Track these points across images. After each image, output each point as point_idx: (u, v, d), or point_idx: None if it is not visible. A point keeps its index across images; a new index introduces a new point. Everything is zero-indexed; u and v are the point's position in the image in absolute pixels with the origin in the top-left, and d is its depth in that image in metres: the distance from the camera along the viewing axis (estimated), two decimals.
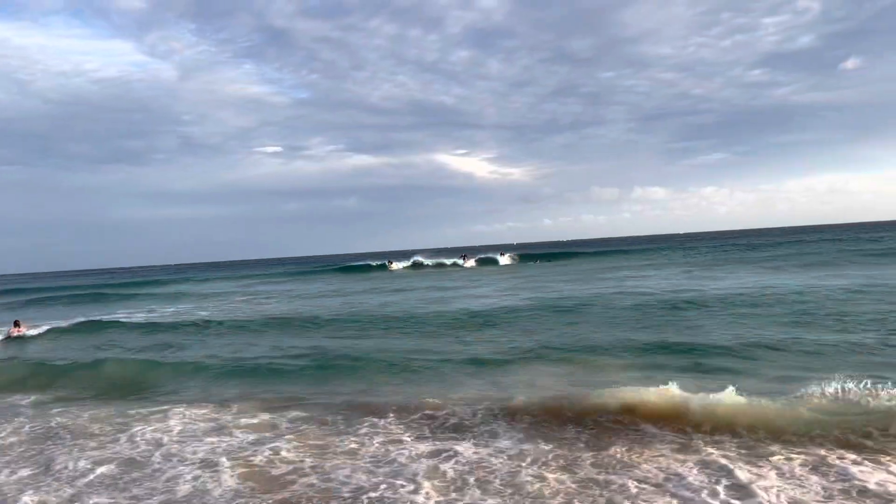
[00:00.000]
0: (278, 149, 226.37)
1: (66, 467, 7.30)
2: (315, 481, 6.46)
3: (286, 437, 8.05)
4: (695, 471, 6.09)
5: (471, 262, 58.69)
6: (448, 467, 6.64)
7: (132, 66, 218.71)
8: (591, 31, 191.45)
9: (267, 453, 7.40)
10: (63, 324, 22.14)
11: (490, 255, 62.23)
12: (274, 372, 12.36)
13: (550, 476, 6.21)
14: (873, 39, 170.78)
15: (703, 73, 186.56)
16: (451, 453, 7.05)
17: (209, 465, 7.15)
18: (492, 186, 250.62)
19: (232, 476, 6.76)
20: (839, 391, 7.35)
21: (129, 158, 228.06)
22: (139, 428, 8.82)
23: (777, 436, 6.82)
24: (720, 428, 7.15)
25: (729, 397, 7.63)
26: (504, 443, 7.32)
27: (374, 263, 60.79)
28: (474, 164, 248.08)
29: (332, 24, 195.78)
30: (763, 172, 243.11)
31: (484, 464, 6.68)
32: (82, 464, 7.39)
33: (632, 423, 7.62)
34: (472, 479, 6.26)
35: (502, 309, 19.15)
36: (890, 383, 7.30)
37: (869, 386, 7.27)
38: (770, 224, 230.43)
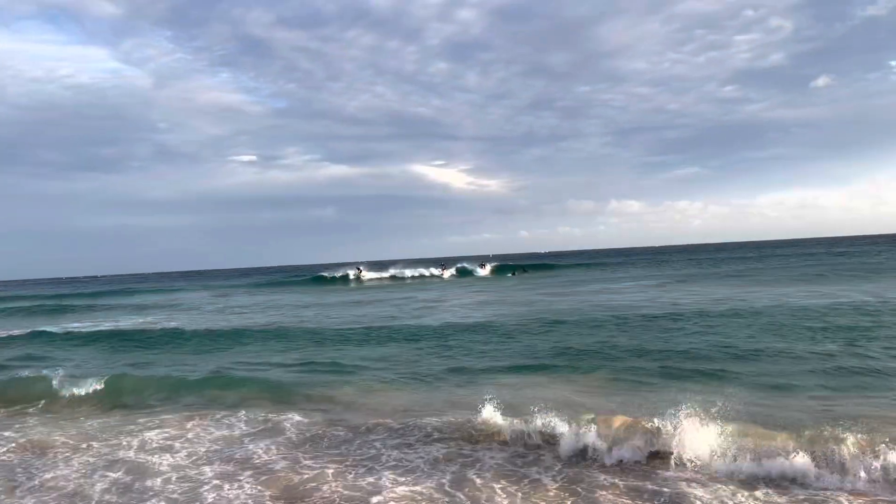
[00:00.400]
0: (253, 158, 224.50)
1: None
2: None
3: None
4: None
5: (449, 273, 57.08)
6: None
7: (106, 73, 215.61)
8: (567, 45, 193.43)
9: None
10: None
11: (467, 265, 60.32)
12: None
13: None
14: (843, 58, 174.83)
15: (677, 88, 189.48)
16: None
17: None
18: (469, 198, 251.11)
19: None
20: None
21: (103, 166, 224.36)
22: None
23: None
24: None
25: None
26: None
27: (331, 275, 57.98)
28: (451, 176, 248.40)
29: (309, 34, 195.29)
30: (736, 187, 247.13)
31: None
32: None
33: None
34: None
35: (461, 325, 18.67)
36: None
37: None
38: (742, 238, 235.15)
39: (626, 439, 7.34)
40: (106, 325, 25.31)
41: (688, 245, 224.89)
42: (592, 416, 7.93)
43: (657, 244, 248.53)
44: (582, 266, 61.80)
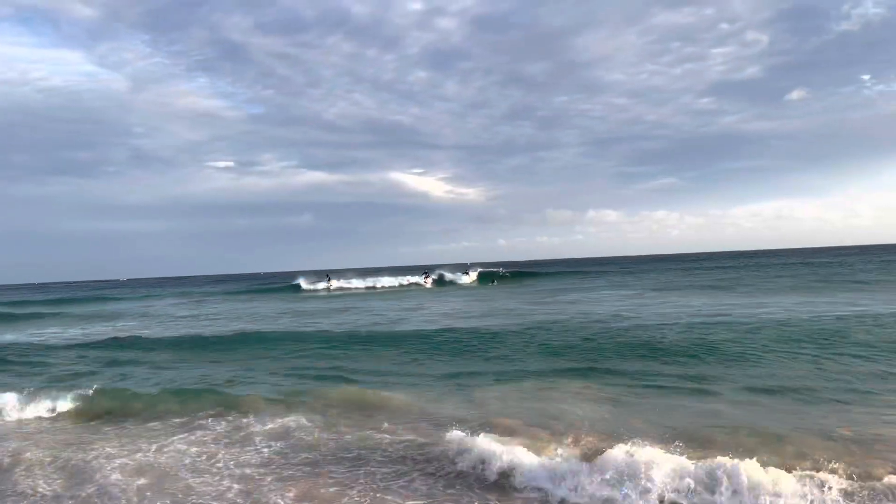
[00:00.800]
0: (230, 163, 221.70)
1: None
2: None
3: None
4: None
5: (431, 281, 54.15)
6: None
7: (81, 76, 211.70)
8: (546, 55, 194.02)
9: None
10: None
11: (445, 273, 57.26)
12: None
13: None
14: (817, 72, 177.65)
15: (654, 99, 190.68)
16: None
17: None
18: (448, 206, 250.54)
19: None
20: None
21: (78, 170, 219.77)
22: None
23: None
24: None
25: None
26: None
27: (309, 285, 55.87)
28: (430, 184, 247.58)
29: (288, 41, 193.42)
30: (712, 198, 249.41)
31: None
32: None
33: None
34: None
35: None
36: None
37: None
38: (718, 248, 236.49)
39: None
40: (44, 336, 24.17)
41: (665, 255, 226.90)
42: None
43: (634, 253, 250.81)
44: (563, 274, 61.35)
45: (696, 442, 7.18)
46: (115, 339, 20.95)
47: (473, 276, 55.15)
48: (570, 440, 7.45)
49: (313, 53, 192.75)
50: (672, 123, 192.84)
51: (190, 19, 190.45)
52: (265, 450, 8.19)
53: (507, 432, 7.95)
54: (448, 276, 55.88)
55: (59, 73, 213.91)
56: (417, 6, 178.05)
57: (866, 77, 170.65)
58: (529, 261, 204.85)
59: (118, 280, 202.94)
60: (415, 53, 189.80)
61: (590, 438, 7.46)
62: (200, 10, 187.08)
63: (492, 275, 56.53)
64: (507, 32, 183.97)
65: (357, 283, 56.89)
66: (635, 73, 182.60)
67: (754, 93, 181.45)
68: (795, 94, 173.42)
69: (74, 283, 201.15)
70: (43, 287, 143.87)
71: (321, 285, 55.91)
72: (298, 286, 56.28)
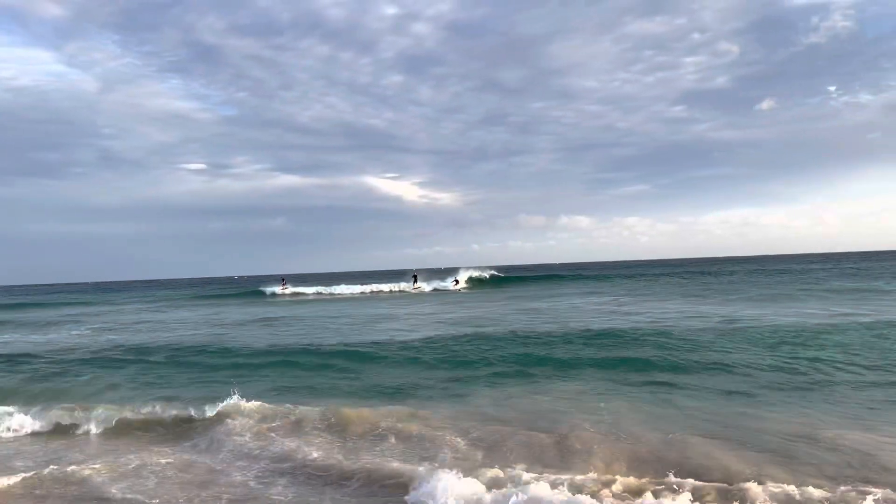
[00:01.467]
0: (202, 166, 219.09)
1: None
2: None
3: None
4: None
5: (420, 285, 50.88)
6: None
7: (50, 76, 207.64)
8: (520, 62, 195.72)
9: None
10: None
11: (436, 276, 54.85)
12: None
13: None
14: (785, 83, 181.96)
15: (627, 107, 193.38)
16: None
17: None
18: (421, 211, 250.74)
19: None
20: None
21: (44, 171, 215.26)
22: None
23: None
24: None
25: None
26: None
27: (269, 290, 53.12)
28: (404, 188, 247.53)
29: (262, 43, 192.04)
30: (683, 205, 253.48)
31: None
32: None
33: None
34: None
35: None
36: None
37: None
38: (688, 254, 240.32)
39: None
40: None
41: (636, 261, 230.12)
42: None
43: (606, 259, 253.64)
44: (538, 279, 61.69)
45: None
46: None
47: (462, 282, 53.39)
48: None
49: (288, 56, 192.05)
50: (644, 131, 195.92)
51: (162, 20, 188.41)
52: None
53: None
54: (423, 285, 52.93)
55: (27, 72, 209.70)
56: (392, 10, 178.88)
57: (832, 88, 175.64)
58: (500, 266, 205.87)
59: (86, 283, 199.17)
60: (390, 57, 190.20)
61: None
62: (173, 10, 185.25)
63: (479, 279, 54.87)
64: (483, 38, 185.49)
65: (317, 289, 54.03)
66: (608, 81, 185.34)
67: (725, 102, 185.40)
68: (765, 104, 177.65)
69: (40, 286, 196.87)
70: (7, 290, 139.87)
71: (278, 289, 54.05)
72: (262, 292, 54.93)
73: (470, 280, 54.34)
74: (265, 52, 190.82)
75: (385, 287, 53.18)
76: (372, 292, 51.60)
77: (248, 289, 61.98)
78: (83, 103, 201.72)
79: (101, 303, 53.43)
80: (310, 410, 10.00)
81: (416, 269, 57.89)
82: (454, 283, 53.41)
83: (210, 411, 10.36)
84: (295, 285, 57.73)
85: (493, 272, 56.35)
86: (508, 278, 58.94)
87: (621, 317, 21.66)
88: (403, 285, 53.03)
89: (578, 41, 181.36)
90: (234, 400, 10.58)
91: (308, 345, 17.59)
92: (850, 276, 42.52)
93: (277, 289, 54.31)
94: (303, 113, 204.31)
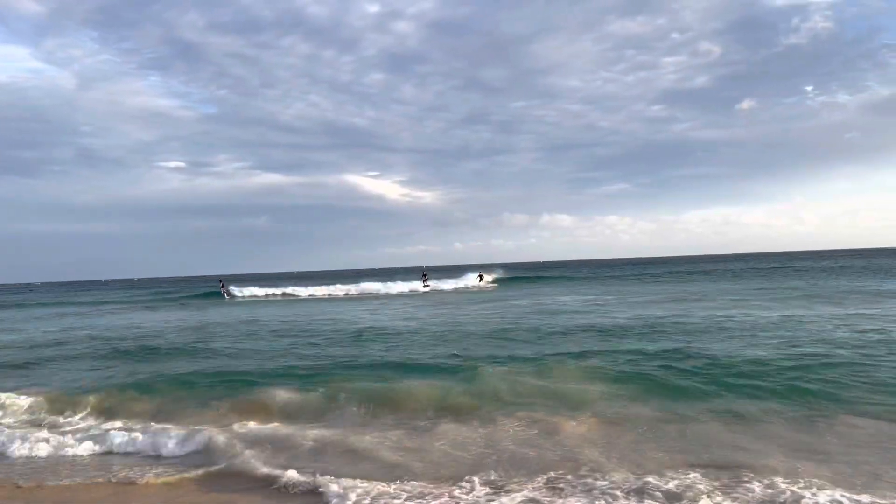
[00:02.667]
0: (181, 164, 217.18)
1: None
2: None
3: None
4: None
5: (429, 284, 48.76)
6: None
7: (27, 73, 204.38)
8: (503, 61, 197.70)
9: None
10: None
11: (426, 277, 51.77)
12: None
13: None
14: (764, 83, 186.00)
15: (608, 106, 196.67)
16: None
17: None
18: (404, 210, 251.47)
19: None
20: None
21: (22, 169, 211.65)
22: None
23: None
24: None
25: None
26: None
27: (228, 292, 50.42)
28: (386, 187, 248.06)
29: (244, 41, 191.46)
30: (663, 203, 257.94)
31: None
32: None
33: None
34: None
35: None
36: None
37: None
38: (669, 253, 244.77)
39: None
40: None
41: (617, 259, 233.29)
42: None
43: (587, 257, 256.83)
44: (522, 279, 62.70)
45: None
46: None
47: (488, 278, 52.82)
48: None
49: (269, 54, 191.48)
50: (625, 130, 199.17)
51: (142, 17, 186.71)
52: None
53: None
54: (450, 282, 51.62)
55: (4, 69, 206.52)
56: (374, 9, 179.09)
57: (809, 88, 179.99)
58: (483, 264, 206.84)
59: (33, 284, 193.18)
60: (372, 56, 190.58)
61: None
62: (153, 7, 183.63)
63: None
64: (466, 37, 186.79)
65: (335, 290, 50.44)
66: (590, 80, 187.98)
67: (705, 102, 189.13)
68: (745, 104, 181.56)
69: (8, 285, 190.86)
70: None
71: (225, 294, 51.32)
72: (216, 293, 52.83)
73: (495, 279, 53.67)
74: (246, 50, 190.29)
75: (393, 289, 48.94)
76: (400, 293, 47.20)
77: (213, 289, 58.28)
78: (61, 100, 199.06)
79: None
80: None
81: (426, 268, 56.61)
82: (479, 278, 52.26)
83: None
84: (284, 286, 55.02)
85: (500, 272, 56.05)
86: (526, 277, 58.42)
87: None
88: (402, 286, 50.61)
89: (561, 41, 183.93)
90: None
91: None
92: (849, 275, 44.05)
93: (224, 292, 51.26)
94: (284, 111, 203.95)
